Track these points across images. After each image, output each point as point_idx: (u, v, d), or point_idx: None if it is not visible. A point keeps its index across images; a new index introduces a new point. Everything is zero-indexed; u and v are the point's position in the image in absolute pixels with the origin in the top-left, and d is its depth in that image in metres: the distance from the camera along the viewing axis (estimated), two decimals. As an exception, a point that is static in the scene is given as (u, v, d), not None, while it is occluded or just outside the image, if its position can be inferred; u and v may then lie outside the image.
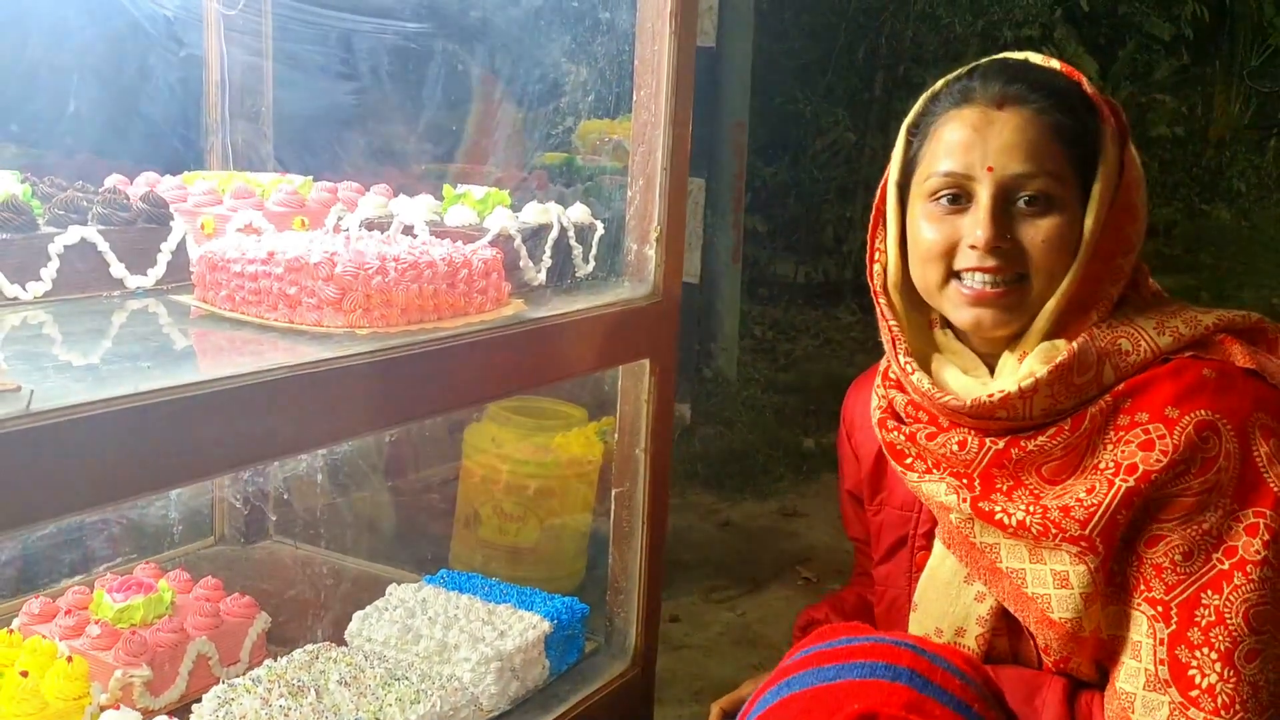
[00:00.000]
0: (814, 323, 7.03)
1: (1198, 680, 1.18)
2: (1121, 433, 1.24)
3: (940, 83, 1.38)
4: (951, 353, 1.38)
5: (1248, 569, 1.18)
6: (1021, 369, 1.30)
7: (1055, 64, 1.35)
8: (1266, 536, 1.18)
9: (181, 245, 1.68)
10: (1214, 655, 1.18)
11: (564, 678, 1.91)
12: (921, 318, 1.41)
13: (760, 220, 7.11)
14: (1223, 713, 1.17)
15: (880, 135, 7.34)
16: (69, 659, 1.57)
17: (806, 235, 7.51)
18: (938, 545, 1.39)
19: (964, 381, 1.34)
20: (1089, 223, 1.28)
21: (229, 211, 1.80)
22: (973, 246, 1.29)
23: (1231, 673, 1.17)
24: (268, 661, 1.70)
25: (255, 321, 1.49)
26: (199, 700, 1.59)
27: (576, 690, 1.88)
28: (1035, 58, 1.36)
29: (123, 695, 1.64)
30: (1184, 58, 9.74)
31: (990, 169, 1.28)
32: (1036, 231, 1.28)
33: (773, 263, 7.56)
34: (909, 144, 1.38)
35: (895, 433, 1.39)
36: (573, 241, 1.86)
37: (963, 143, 1.30)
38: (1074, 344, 1.28)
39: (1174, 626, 1.20)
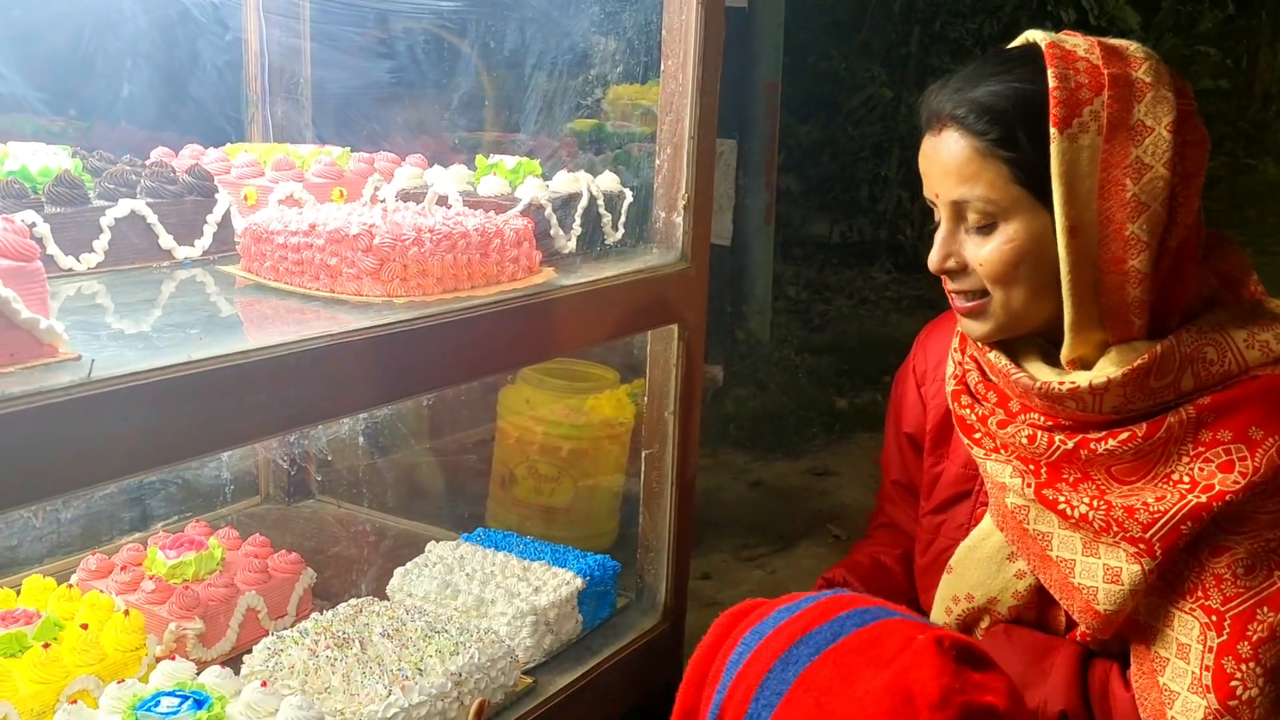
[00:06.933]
0: (849, 282, 6.98)
1: (1239, 692, 1.19)
2: (1202, 449, 1.22)
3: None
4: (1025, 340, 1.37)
5: None
6: (1095, 370, 1.26)
7: (1040, 43, 1.25)
8: None
9: (227, 217, 1.73)
10: (1259, 670, 1.19)
11: (596, 632, 1.97)
12: None
13: (794, 179, 7.05)
14: None
15: (916, 91, 7.20)
16: (126, 613, 1.63)
17: (841, 194, 7.43)
18: (986, 519, 1.39)
19: (1039, 366, 1.33)
20: (1058, 231, 1.23)
21: (270, 183, 1.85)
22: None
23: (1273, 689, 1.19)
24: (314, 615, 1.76)
25: (298, 291, 1.54)
26: (249, 651, 1.66)
27: (608, 644, 1.94)
28: (1033, 37, 1.28)
29: (177, 647, 1.71)
30: (1229, 8, 9.49)
31: (937, 195, 1.32)
32: (979, 250, 1.30)
33: (807, 222, 7.50)
34: None
35: (969, 410, 1.39)
36: (602, 210, 1.89)
37: (922, 170, 1.34)
38: (1157, 347, 1.23)
39: (1225, 637, 1.21)
